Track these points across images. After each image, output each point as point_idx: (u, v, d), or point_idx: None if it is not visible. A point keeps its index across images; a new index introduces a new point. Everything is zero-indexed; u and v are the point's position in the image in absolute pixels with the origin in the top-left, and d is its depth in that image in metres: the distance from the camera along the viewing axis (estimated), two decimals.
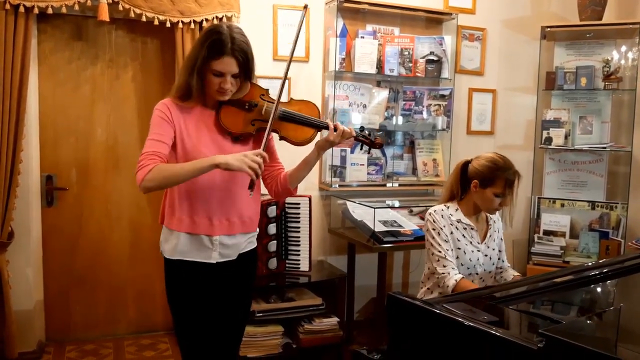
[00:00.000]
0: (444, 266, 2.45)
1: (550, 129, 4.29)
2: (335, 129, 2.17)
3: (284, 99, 2.25)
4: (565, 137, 4.26)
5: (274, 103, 2.17)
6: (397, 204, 4.05)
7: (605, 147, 4.22)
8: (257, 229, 2.38)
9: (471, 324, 1.45)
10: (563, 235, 4.30)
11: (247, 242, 2.32)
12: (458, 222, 2.55)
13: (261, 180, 2.34)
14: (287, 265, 3.59)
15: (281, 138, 2.25)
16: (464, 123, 4.36)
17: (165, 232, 2.24)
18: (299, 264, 3.59)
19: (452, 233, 2.52)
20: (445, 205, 2.59)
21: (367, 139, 2.32)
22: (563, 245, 4.19)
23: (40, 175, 3.54)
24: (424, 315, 1.59)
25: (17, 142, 3.22)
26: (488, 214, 2.65)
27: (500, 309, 1.74)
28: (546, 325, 1.59)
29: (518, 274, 2.71)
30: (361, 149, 2.37)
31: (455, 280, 2.39)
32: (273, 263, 3.49)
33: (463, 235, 2.54)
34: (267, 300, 3.46)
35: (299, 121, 2.22)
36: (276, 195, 2.37)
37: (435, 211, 2.55)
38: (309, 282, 3.57)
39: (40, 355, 3.50)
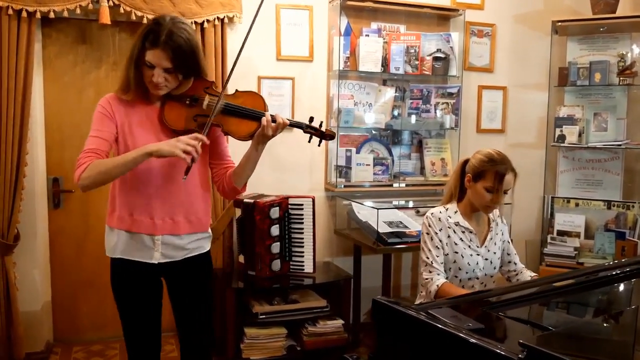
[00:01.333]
0: (430, 272, 2.40)
1: (564, 126, 4.18)
2: (274, 120, 2.09)
3: (230, 91, 2.20)
4: (579, 135, 4.15)
5: (216, 96, 2.12)
6: (411, 203, 3.99)
7: (620, 145, 4.09)
8: (210, 232, 2.31)
9: (451, 331, 1.40)
10: (577, 235, 4.19)
11: (196, 244, 2.23)
12: (456, 225, 2.48)
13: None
14: (291, 266, 3.56)
15: (225, 133, 2.19)
16: (473, 121, 4.28)
17: (107, 230, 2.19)
18: (303, 266, 3.55)
19: (449, 237, 2.45)
20: (444, 207, 2.52)
21: (316, 131, 2.22)
22: (577, 246, 4.08)
23: (46, 177, 3.57)
24: (407, 321, 1.54)
25: (21, 145, 3.25)
26: (490, 217, 2.57)
27: (491, 316, 1.68)
28: (537, 332, 1.53)
29: (535, 274, 2.63)
30: (309, 141, 2.26)
31: (437, 286, 2.33)
32: (276, 265, 3.46)
33: (461, 238, 2.47)
34: (270, 302, 3.44)
35: (242, 114, 2.14)
36: (225, 195, 2.30)
37: (432, 214, 2.49)
38: (313, 283, 3.53)
39: (48, 355, 3.53)
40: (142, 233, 2.13)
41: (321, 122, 2.24)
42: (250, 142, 2.20)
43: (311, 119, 2.24)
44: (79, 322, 3.74)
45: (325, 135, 2.23)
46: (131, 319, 2.22)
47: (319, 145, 2.29)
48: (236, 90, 2.22)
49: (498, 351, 1.28)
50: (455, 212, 2.50)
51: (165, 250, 2.16)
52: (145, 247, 2.14)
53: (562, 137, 4.17)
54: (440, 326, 1.42)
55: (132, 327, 2.22)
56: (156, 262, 2.16)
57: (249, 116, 2.15)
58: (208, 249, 2.31)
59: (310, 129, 2.22)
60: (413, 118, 4.02)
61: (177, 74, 2.06)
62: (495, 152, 2.45)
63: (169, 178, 2.13)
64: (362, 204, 3.72)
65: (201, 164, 2.19)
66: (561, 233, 4.22)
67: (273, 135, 2.13)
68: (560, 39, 4.29)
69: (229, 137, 2.21)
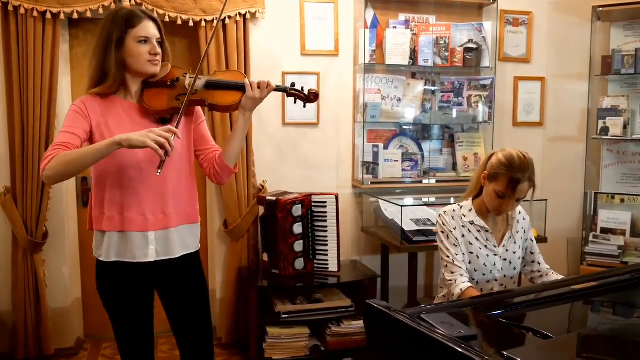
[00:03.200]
0: (452, 272, 2.27)
1: (607, 117, 3.94)
2: (258, 85, 2.12)
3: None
4: (624, 127, 3.90)
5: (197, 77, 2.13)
6: (452, 200, 3.84)
7: None
8: (199, 226, 2.26)
9: (434, 337, 1.30)
10: (623, 233, 3.95)
11: (188, 238, 2.18)
12: (471, 223, 2.35)
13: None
14: (315, 265, 3.49)
15: (210, 108, 2.18)
16: (509, 114, 4.09)
17: (97, 235, 2.12)
18: (327, 264, 3.48)
19: (463, 236, 2.33)
20: (459, 205, 2.40)
21: (300, 93, 2.25)
22: (621, 244, 3.84)
23: (75, 177, 3.63)
24: (394, 325, 1.45)
25: (48, 146, 3.29)
26: (509, 214, 2.42)
27: (490, 321, 1.56)
28: (536, 340, 1.41)
29: (562, 277, 2.46)
30: (295, 102, 2.29)
31: (461, 290, 2.19)
32: (300, 263, 3.40)
33: (476, 238, 2.34)
34: (293, 301, 3.39)
35: (224, 86, 2.16)
36: (217, 179, 2.23)
37: (445, 212, 2.37)
38: (338, 282, 3.45)
39: (78, 351, 3.60)
40: (134, 231, 2.07)
41: (302, 87, 2.28)
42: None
43: (293, 84, 2.27)
44: (109, 319, 3.78)
45: (309, 97, 2.25)
46: (125, 323, 2.16)
47: (304, 107, 2.32)
48: (215, 71, 2.27)
49: None
50: (470, 210, 2.36)
51: (159, 247, 2.11)
52: (139, 246, 2.08)
53: (605, 130, 3.93)
54: (425, 332, 1.32)
55: (126, 332, 2.17)
56: (152, 259, 2.10)
57: (232, 87, 2.16)
58: (197, 248, 2.25)
59: (295, 91, 2.25)
60: (449, 112, 3.87)
61: (161, 49, 2.10)
62: (519, 155, 2.26)
63: (161, 176, 2.06)
64: (388, 202, 3.61)
65: (187, 153, 2.18)
66: (605, 231, 3.98)
67: (260, 99, 2.13)
68: (604, 26, 4.04)
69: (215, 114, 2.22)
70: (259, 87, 2.12)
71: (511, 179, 2.21)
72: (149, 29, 2.04)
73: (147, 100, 2.09)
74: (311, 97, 2.25)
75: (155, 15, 2.15)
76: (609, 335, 1.48)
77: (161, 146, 1.87)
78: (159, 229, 2.10)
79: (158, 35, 2.08)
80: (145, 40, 2.04)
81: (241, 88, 2.15)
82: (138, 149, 1.95)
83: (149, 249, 2.09)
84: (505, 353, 1.14)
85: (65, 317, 3.57)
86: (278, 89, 2.21)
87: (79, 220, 3.67)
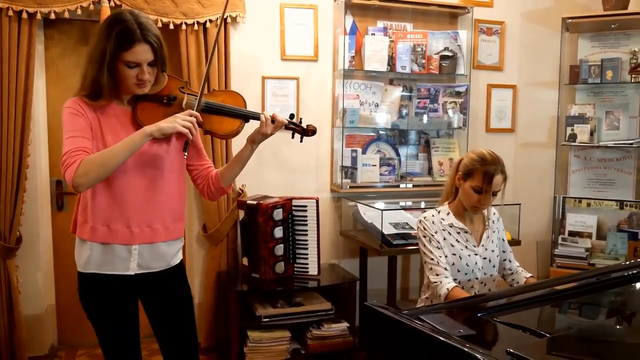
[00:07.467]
0: (437, 274, 2.33)
1: (575, 125, 4.09)
2: (273, 120, 2.10)
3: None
4: (591, 134, 4.06)
5: (194, 95, 2.09)
6: (422, 204, 3.92)
7: (632, 144, 3.98)
8: (183, 239, 2.22)
9: (439, 337, 1.34)
10: (589, 236, 4.10)
11: (173, 253, 2.15)
12: (450, 226, 2.43)
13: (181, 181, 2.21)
14: (295, 269, 3.51)
15: (206, 132, 2.14)
16: (482, 121, 4.20)
17: (78, 242, 2.05)
18: (307, 268, 3.50)
19: (445, 239, 2.40)
20: (437, 210, 2.49)
21: (298, 127, 2.23)
22: (588, 246, 3.99)
23: (49, 180, 3.56)
24: (395, 327, 1.49)
25: (23, 148, 3.23)
26: (485, 214, 2.51)
27: (484, 321, 1.61)
28: (532, 339, 1.47)
29: (531, 275, 2.57)
30: (292, 137, 2.27)
31: (447, 289, 2.26)
32: (280, 267, 3.41)
33: (457, 239, 2.42)
34: (273, 305, 3.40)
35: (224, 112, 2.13)
36: (210, 197, 2.24)
37: (425, 218, 2.44)
38: (318, 286, 3.49)
39: (52, 359, 3.52)
40: (117, 244, 2.02)
41: (300, 119, 2.26)
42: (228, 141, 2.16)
43: (292, 116, 2.24)
44: (83, 326, 3.64)
45: (307, 132, 2.25)
46: (111, 333, 2.10)
47: (301, 141, 2.30)
48: (213, 90, 2.20)
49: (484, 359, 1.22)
50: (448, 214, 2.45)
51: (141, 260, 2.06)
52: (121, 259, 2.03)
53: (573, 136, 4.07)
54: (428, 332, 1.36)
55: (113, 342, 2.11)
56: (133, 273, 2.05)
57: (231, 114, 2.13)
58: (181, 259, 2.23)
59: (292, 125, 2.22)
60: (425, 118, 3.95)
61: (156, 67, 1.99)
62: (489, 152, 2.41)
63: (146, 184, 2.04)
64: (367, 205, 3.66)
65: (179, 168, 2.14)
66: (573, 234, 4.13)
67: (271, 134, 2.13)
68: (572, 37, 4.20)
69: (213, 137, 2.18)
70: (272, 122, 2.10)
71: (486, 172, 2.32)
72: (140, 54, 1.90)
73: (141, 116, 2.02)
74: (309, 131, 2.24)
75: (152, 30, 1.94)
76: (603, 334, 1.55)
77: (189, 130, 1.93)
78: (144, 243, 2.06)
79: (151, 59, 1.93)
80: (135, 65, 1.92)
81: (241, 116, 2.13)
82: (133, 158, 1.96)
83: (131, 262, 2.05)
84: (510, 350, 1.18)
85: (39, 324, 3.49)
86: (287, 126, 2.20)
87: (53, 225, 3.60)
